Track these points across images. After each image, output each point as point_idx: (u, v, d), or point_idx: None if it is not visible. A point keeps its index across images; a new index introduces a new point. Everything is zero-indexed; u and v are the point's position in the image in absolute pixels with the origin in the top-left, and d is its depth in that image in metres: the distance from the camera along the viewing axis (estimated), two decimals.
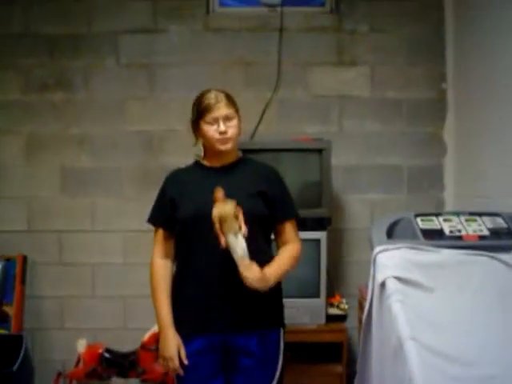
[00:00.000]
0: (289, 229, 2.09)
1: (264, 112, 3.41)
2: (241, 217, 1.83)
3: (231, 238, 1.80)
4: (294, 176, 3.10)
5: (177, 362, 1.95)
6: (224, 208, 1.81)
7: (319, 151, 2.99)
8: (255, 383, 2.02)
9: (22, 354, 2.80)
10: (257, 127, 3.40)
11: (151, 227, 2.11)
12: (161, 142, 3.44)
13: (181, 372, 1.97)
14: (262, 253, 1.99)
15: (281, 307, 2.13)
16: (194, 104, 2.06)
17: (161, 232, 2.07)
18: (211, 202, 1.85)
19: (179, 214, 2.01)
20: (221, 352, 2.00)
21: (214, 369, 2.01)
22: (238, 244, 1.81)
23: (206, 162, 2.11)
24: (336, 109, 3.45)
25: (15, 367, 2.72)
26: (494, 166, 2.91)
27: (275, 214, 2.05)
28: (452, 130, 3.45)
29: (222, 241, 1.82)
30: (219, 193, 1.84)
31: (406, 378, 1.63)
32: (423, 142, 3.46)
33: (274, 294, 2.04)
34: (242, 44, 3.44)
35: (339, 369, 2.97)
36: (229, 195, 1.87)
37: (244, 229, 1.82)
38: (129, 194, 3.43)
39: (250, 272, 1.83)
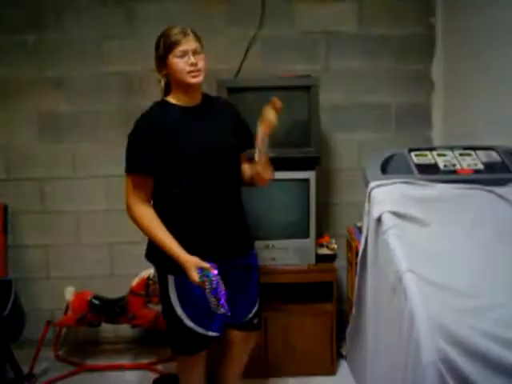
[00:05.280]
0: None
1: (248, 50, 3.28)
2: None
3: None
4: (280, 115, 3.00)
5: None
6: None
7: (307, 88, 2.89)
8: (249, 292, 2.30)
9: (12, 299, 2.74)
10: (241, 65, 3.27)
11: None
12: (142, 83, 3.29)
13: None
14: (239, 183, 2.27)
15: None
16: (160, 39, 2.09)
17: (142, 179, 2.09)
18: (209, 145, 2.10)
19: (180, 157, 2.06)
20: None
21: None
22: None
23: (175, 101, 2.15)
24: (323, 46, 3.33)
25: (6, 312, 2.67)
26: (482, 102, 2.87)
27: (243, 144, 2.27)
28: (440, 66, 3.38)
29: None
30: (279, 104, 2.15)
31: (406, 310, 1.62)
32: (411, 79, 3.38)
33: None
34: None
35: (329, 307, 2.99)
36: (216, 137, 2.14)
37: None
38: (110, 138, 3.30)
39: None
